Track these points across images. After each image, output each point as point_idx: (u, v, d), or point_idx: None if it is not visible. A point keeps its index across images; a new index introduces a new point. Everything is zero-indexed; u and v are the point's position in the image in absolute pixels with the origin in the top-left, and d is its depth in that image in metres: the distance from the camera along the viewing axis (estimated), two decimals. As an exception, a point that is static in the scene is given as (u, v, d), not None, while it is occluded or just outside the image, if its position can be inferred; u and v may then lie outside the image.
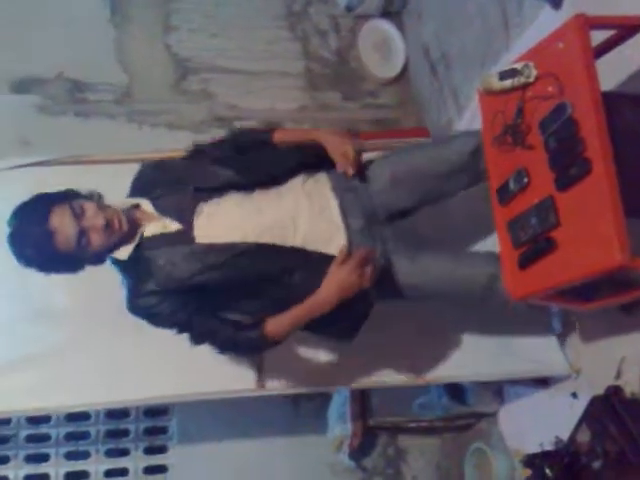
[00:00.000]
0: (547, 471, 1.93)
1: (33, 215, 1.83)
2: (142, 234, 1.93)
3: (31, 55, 3.42)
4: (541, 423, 2.57)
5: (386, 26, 3.73)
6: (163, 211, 1.96)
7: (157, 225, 1.95)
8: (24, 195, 2.40)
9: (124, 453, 3.17)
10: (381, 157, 2.18)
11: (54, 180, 2.42)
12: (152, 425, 3.21)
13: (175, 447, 3.19)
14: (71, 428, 3.13)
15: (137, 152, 2.55)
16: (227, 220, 1.94)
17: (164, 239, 1.91)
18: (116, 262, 1.95)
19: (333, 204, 2.01)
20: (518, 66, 1.87)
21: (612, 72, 2.01)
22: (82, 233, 1.81)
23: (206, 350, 2.27)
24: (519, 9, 2.64)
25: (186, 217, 1.94)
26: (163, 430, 3.21)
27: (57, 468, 3.09)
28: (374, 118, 3.68)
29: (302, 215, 1.96)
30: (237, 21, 3.69)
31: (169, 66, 3.60)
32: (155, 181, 2.01)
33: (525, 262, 1.75)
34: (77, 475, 3.11)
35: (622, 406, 1.92)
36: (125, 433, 3.18)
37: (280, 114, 3.62)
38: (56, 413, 3.02)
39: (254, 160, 2.03)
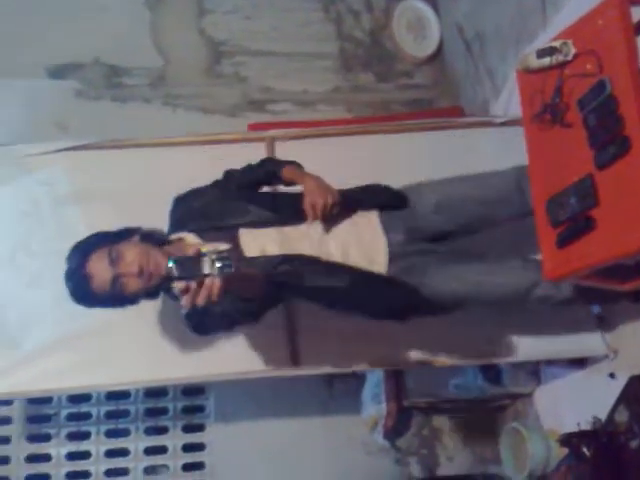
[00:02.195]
0: (584, 450, 1.92)
1: (75, 258, 1.92)
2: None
3: (68, 41, 3.47)
4: (578, 403, 2.56)
5: (420, 5, 3.71)
6: (209, 240, 2.01)
7: (209, 247, 1.99)
8: (62, 179, 2.50)
9: (163, 431, 3.22)
10: (427, 182, 2.21)
11: (92, 164, 2.50)
12: (190, 404, 3.26)
13: (212, 425, 3.24)
14: (111, 407, 3.20)
15: (173, 136, 2.60)
16: (269, 240, 2.01)
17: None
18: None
19: (376, 220, 2.09)
20: (556, 44, 1.85)
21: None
22: (117, 278, 1.87)
23: (243, 330, 2.33)
24: (556, -15, 2.61)
25: (232, 242, 1.99)
26: (200, 409, 3.26)
27: (98, 445, 3.16)
28: (408, 98, 3.67)
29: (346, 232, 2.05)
30: (271, 3, 3.70)
31: (203, 49, 3.63)
32: (192, 215, 2.06)
33: (563, 241, 1.74)
34: (117, 452, 3.18)
35: (661, 386, 1.91)
36: (164, 411, 3.23)
37: (313, 96, 3.63)
38: (97, 391, 3.09)
39: (287, 198, 2.10)
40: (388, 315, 2.12)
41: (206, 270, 1.48)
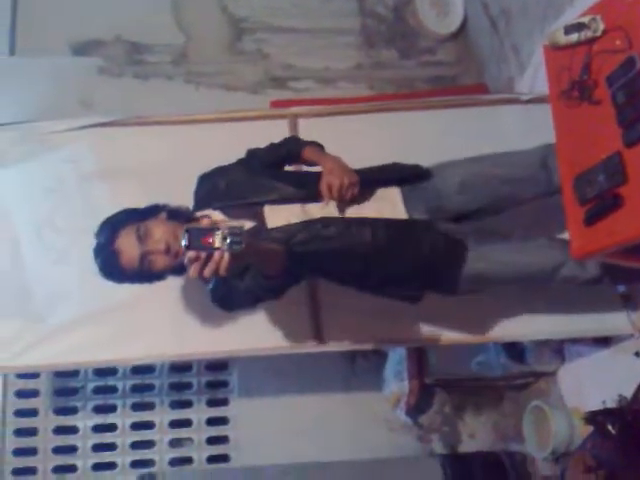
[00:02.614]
0: (609, 428, 1.92)
1: (104, 234, 1.96)
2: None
3: (90, 18, 3.48)
4: (602, 382, 2.56)
5: (444, -19, 3.66)
6: (234, 217, 2.04)
7: (234, 224, 2.01)
8: (87, 156, 2.52)
9: (187, 405, 3.26)
10: (451, 162, 2.20)
11: (116, 141, 2.52)
12: (214, 379, 3.29)
13: (236, 400, 3.27)
14: (137, 380, 3.24)
15: (197, 114, 2.60)
16: (293, 216, 2.02)
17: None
18: None
19: (398, 198, 2.09)
20: (585, 20, 1.83)
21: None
22: (145, 255, 1.90)
23: (266, 307, 2.35)
24: (584, -40, 2.57)
25: (257, 218, 2.03)
26: (224, 383, 3.29)
27: (124, 418, 3.21)
28: (432, 75, 3.64)
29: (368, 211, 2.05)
30: (292, -21, 3.68)
31: (225, 26, 3.62)
32: (217, 193, 2.08)
33: (591, 219, 1.73)
34: (143, 425, 3.23)
35: (687, 365, 1.90)
36: (188, 386, 3.27)
37: (335, 73, 3.61)
38: (123, 366, 3.14)
39: (310, 177, 2.10)
40: (412, 275, 2.08)
41: (217, 244, 1.49)
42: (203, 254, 1.50)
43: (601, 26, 1.81)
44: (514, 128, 2.54)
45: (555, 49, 1.92)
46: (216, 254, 1.50)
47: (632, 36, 1.70)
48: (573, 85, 1.83)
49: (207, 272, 1.51)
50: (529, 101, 2.61)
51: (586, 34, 1.83)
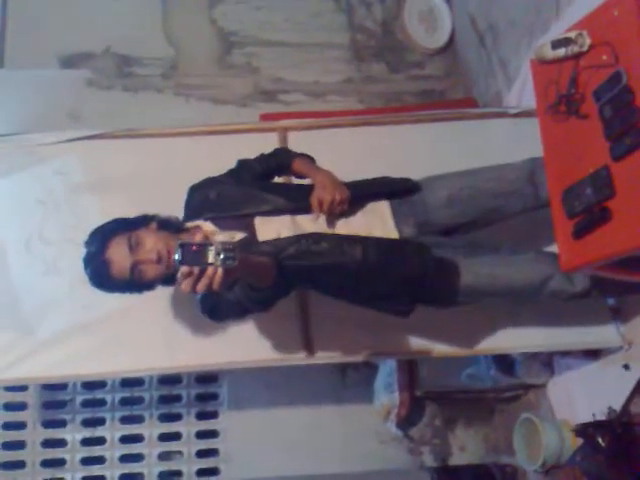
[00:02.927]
0: (599, 440, 1.93)
1: (95, 244, 1.95)
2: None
3: (79, 30, 3.49)
4: (592, 394, 2.56)
5: (432, -5, 3.70)
6: (224, 228, 2.04)
7: (225, 236, 2.02)
8: (76, 168, 2.52)
9: (177, 418, 3.25)
10: (438, 176, 2.22)
11: (105, 154, 2.52)
12: (204, 391, 3.29)
13: (226, 412, 3.26)
14: (126, 393, 3.23)
15: (186, 126, 2.60)
16: (284, 227, 2.03)
17: None
18: None
19: (387, 212, 2.10)
20: (571, 35, 1.85)
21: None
22: (136, 265, 1.90)
23: (256, 320, 2.35)
24: (570, -24, 2.60)
25: (247, 229, 2.03)
26: (214, 396, 3.29)
27: (113, 432, 3.20)
28: (420, 89, 3.67)
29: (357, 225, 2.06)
30: (281, -6, 3.70)
31: (214, 40, 3.64)
32: (208, 204, 2.08)
33: (579, 232, 1.75)
34: (132, 438, 3.21)
35: (676, 377, 1.91)
36: (178, 399, 3.26)
37: (325, 87, 3.64)
38: (112, 378, 3.13)
39: (301, 189, 2.11)
40: (402, 292, 2.08)
41: (210, 259, 1.49)
42: (196, 269, 1.50)
43: (587, 41, 1.83)
44: (502, 142, 2.55)
45: (542, 64, 1.95)
46: (209, 269, 1.50)
47: (618, 51, 1.73)
48: (560, 99, 1.86)
49: (200, 287, 1.51)
50: (517, 115, 2.62)
51: (573, 49, 1.85)
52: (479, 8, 3.36)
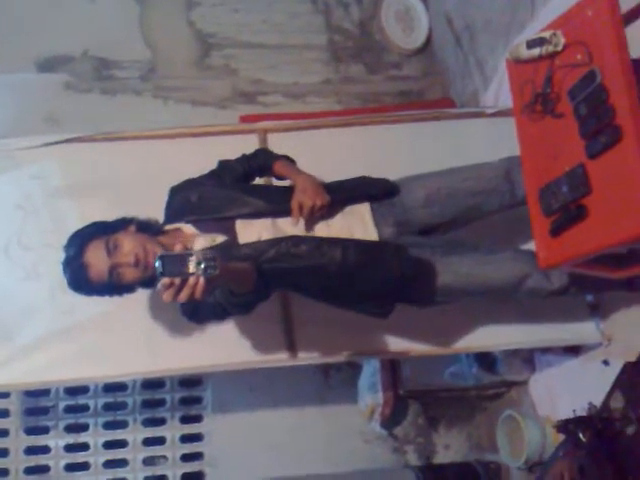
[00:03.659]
0: (580, 436, 1.95)
1: (73, 247, 1.95)
2: (191, 248, 1.98)
3: (57, 34, 3.46)
4: (573, 390, 2.59)
5: (409, -4, 3.72)
6: (205, 231, 2.06)
7: (206, 239, 2.04)
8: (55, 172, 2.50)
9: (161, 422, 3.24)
10: (416, 176, 2.23)
11: (84, 157, 2.50)
12: (187, 395, 3.28)
13: (210, 416, 3.26)
14: (109, 399, 3.22)
15: (165, 128, 2.59)
16: (264, 230, 2.04)
17: (215, 250, 1.96)
18: None
19: (367, 214, 2.11)
20: (546, 34, 1.87)
21: (641, 39, 2.00)
22: (114, 268, 1.90)
23: (239, 322, 2.35)
24: (545, -24, 2.62)
25: (228, 232, 2.04)
26: (198, 400, 3.28)
27: (96, 437, 3.18)
28: (398, 90, 3.68)
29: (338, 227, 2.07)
30: (258, -5, 3.70)
31: (193, 42, 3.63)
32: (189, 206, 2.08)
33: (556, 230, 1.76)
34: (116, 444, 3.20)
35: (655, 372, 1.93)
36: (161, 403, 3.25)
37: (304, 88, 3.64)
38: (95, 384, 3.11)
39: (282, 192, 2.11)
40: (381, 292, 2.10)
41: (191, 269, 1.49)
42: (177, 280, 1.50)
43: (562, 40, 1.84)
44: (479, 141, 2.57)
45: (518, 63, 1.96)
46: (191, 279, 1.50)
47: (592, 50, 1.74)
48: (536, 98, 1.87)
49: (182, 297, 1.51)
50: (494, 115, 2.65)
51: (547, 48, 1.86)
52: (456, 8, 3.38)
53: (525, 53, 1.91)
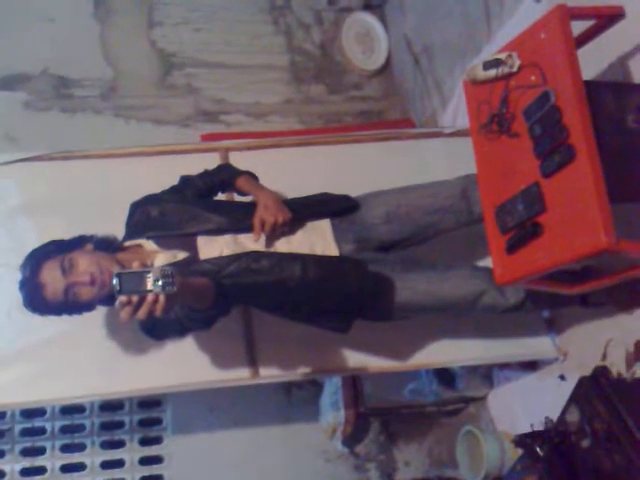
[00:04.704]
0: (538, 450, 1.97)
1: (28, 267, 1.94)
2: (152, 265, 1.98)
3: (15, 52, 3.42)
4: (530, 405, 2.63)
5: (368, 18, 3.78)
6: (166, 247, 2.05)
7: (167, 256, 2.03)
8: (13, 191, 2.47)
9: (120, 445, 3.19)
10: (376, 193, 2.26)
11: (42, 176, 2.47)
12: (146, 416, 3.23)
13: (170, 437, 3.22)
14: (66, 421, 3.16)
15: (126, 147, 2.57)
16: (225, 246, 2.04)
17: (176, 267, 1.94)
18: None
19: (328, 230, 2.13)
20: (502, 56, 1.91)
21: (593, 61, 2.07)
22: (69, 287, 1.89)
23: (198, 340, 2.33)
24: (500, 0, 2.69)
25: (190, 248, 2.03)
26: (158, 421, 3.24)
27: (53, 461, 3.12)
28: (359, 110, 3.73)
29: (298, 243, 2.09)
30: (221, 15, 3.72)
31: (154, 61, 3.63)
32: (150, 222, 2.08)
33: (512, 247, 1.80)
34: (73, 467, 3.13)
35: (609, 386, 1.96)
36: (120, 425, 3.20)
37: (266, 107, 3.66)
38: (51, 406, 3.05)
39: (244, 208, 2.13)
40: (340, 307, 2.11)
41: (148, 286, 1.49)
42: (135, 298, 1.49)
43: (517, 62, 1.89)
44: (438, 160, 2.61)
45: (475, 84, 2.00)
46: (149, 297, 1.49)
47: (546, 72, 1.79)
48: (492, 119, 1.91)
49: (141, 314, 1.50)
50: (451, 134, 2.69)
51: (503, 70, 1.90)
52: (414, 30, 3.45)
53: (481, 74, 1.96)
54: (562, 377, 2.49)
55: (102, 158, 2.55)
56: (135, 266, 1.56)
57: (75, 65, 3.49)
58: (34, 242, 2.06)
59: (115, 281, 1.46)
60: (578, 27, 1.88)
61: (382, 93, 3.77)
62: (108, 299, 1.93)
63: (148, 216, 2.09)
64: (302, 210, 2.13)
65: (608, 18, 1.89)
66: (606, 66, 2.15)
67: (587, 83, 1.74)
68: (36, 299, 1.92)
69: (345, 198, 2.23)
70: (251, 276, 1.97)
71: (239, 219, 2.07)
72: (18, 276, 1.96)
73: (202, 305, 1.79)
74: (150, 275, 1.48)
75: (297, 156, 2.64)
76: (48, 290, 1.89)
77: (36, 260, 1.93)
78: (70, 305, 1.93)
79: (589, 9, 1.91)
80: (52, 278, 1.89)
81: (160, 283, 1.48)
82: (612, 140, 1.75)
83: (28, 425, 3.13)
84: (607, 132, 1.74)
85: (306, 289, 2.01)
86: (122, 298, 1.48)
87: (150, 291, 1.48)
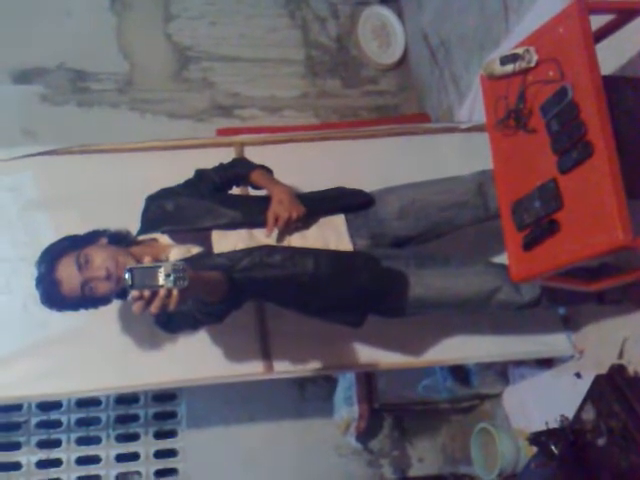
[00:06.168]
0: (553, 448, 1.96)
1: (44, 264, 1.95)
2: (167, 259, 1.99)
3: (32, 46, 3.44)
4: (545, 403, 2.61)
5: (385, 12, 3.76)
6: (181, 241, 2.06)
7: (181, 250, 2.04)
8: (30, 184, 2.48)
9: (134, 438, 3.20)
10: (391, 188, 2.25)
11: (59, 169, 2.49)
12: (161, 410, 3.24)
13: (184, 431, 3.22)
14: (82, 414, 3.17)
15: (141, 141, 2.57)
16: (240, 240, 2.04)
17: (190, 261, 1.96)
18: None
19: (342, 226, 2.13)
20: (519, 51, 1.89)
21: (612, 56, 2.04)
22: (85, 283, 1.91)
23: (213, 335, 2.34)
24: (518, -6, 2.67)
25: (204, 242, 2.04)
26: (172, 415, 3.25)
27: (69, 453, 3.13)
28: (374, 105, 3.71)
29: (313, 238, 2.08)
30: (236, 9, 3.72)
31: (170, 55, 3.63)
32: (165, 216, 2.09)
33: (529, 244, 1.78)
34: (89, 460, 3.15)
35: (625, 384, 1.95)
36: (135, 418, 3.21)
37: (281, 102, 3.65)
38: (67, 399, 3.07)
39: (258, 202, 2.12)
40: (353, 303, 2.11)
41: (160, 281, 1.49)
42: (147, 292, 1.49)
43: (535, 57, 1.87)
44: (454, 156, 2.60)
45: (492, 79, 1.98)
46: (161, 291, 1.49)
47: (564, 67, 1.77)
48: (509, 114, 1.90)
49: (153, 309, 1.50)
50: (468, 130, 2.67)
51: (520, 65, 1.89)
52: (431, 24, 3.42)
53: (499, 69, 1.94)
54: (578, 375, 2.47)
55: (118, 152, 2.56)
56: (146, 261, 1.56)
57: (91, 59, 3.50)
58: (50, 236, 2.08)
59: (127, 276, 1.47)
60: (597, 21, 1.85)
61: (398, 87, 3.76)
62: (124, 293, 1.94)
63: (163, 210, 2.09)
64: (316, 205, 2.13)
65: (628, 13, 1.86)
66: (626, 61, 2.12)
67: (606, 78, 1.72)
68: (53, 296, 1.93)
69: (360, 193, 2.22)
70: (264, 270, 1.97)
71: (253, 214, 2.07)
72: (33, 270, 1.98)
73: (214, 299, 1.79)
74: (162, 270, 1.49)
75: (312, 151, 2.63)
76: (65, 287, 1.91)
77: (51, 257, 1.95)
78: (87, 300, 1.95)
79: (609, 4, 1.87)
80: (68, 275, 1.90)
81: (172, 278, 1.49)
82: (630, 136, 1.73)
83: (44, 418, 3.15)
84: (625, 128, 1.72)
85: (319, 283, 2.01)
86: (134, 293, 1.48)
87: (162, 286, 1.49)
